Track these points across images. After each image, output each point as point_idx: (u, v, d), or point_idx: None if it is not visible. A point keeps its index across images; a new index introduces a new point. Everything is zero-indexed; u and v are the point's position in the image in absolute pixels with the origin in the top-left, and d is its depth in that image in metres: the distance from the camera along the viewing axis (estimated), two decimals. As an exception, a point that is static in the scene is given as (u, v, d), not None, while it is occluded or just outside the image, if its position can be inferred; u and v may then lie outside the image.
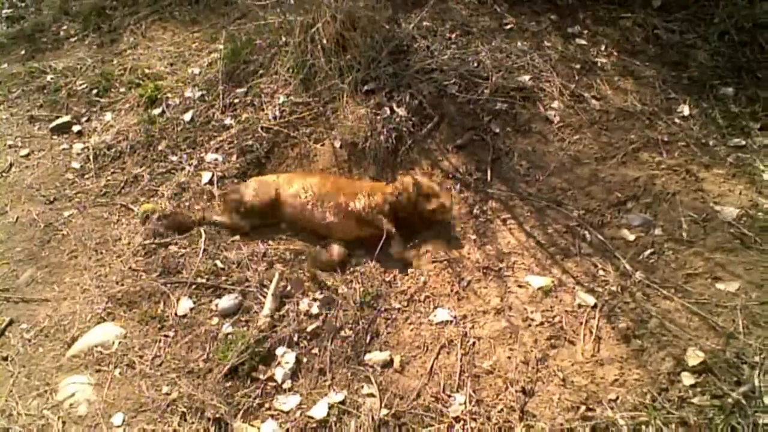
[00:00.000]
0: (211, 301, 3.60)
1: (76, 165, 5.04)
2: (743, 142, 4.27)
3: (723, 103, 4.64)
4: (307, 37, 4.79)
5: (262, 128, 4.73)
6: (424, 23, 5.32)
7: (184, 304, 3.58)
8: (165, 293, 3.68)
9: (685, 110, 4.55)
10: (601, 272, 3.48)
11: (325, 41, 4.72)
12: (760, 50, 5.08)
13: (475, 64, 4.90)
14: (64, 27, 7.14)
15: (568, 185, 4.00)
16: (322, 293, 3.53)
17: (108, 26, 6.86)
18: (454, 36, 5.27)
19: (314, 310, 3.44)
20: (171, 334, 3.47)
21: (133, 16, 6.82)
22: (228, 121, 4.93)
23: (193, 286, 3.69)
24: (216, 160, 4.66)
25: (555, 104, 4.57)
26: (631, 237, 3.64)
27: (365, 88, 4.78)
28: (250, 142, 4.68)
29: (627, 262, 3.49)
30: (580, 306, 3.30)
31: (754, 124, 4.43)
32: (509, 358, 3.11)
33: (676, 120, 4.48)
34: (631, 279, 3.41)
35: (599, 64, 5.02)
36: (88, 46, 6.63)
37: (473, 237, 3.79)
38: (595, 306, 3.28)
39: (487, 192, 4.05)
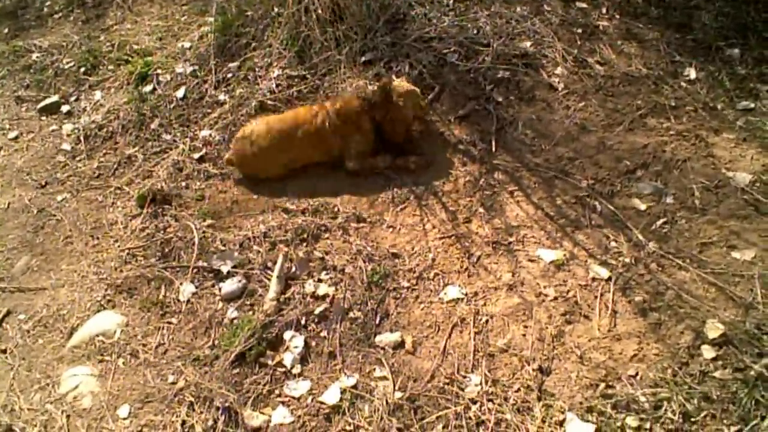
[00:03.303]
0: (213, 285, 3.50)
1: (66, 147, 4.90)
2: (752, 105, 4.16)
3: (729, 65, 4.51)
4: (300, 7, 4.62)
5: (257, 103, 4.57)
6: (421, -11, 5.15)
7: (187, 289, 3.48)
8: (166, 278, 3.56)
9: (692, 73, 4.43)
10: (613, 244, 3.39)
11: (319, 11, 4.55)
12: (764, 9, 4.95)
13: (475, 31, 4.76)
14: (48, 2, 6.94)
15: (575, 154, 3.89)
16: (328, 273, 3.42)
17: (93, 1, 6.65)
18: (451, 2, 5.12)
19: (321, 291, 3.33)
20: (174, 320, 3.37)
21: (118, -10, 6.61)
22: (222, 96, 4.79)
23: (195, 270, 3.57)
24: (211, 136, 4.51)
25: (558, 70, 4.45)
26: (643, 206, 3.55)
27: (363, 58, 4.65)
28: (245, 119, 4.52)
29: (639, 233, 3.40)
30: (593, 279, 3.21)
31: (762, 86, 4.31)
32: (524, 335, 3.03)
33: (683, 84, 4.36)
34: (644, 250, 3.33)
35: (601, 28, 4.88)
36: (74, 22, 6.44)
37: (480, 210, 3.69)
38: (609, 279, 3.20)
39: (492, 163, 3.94)
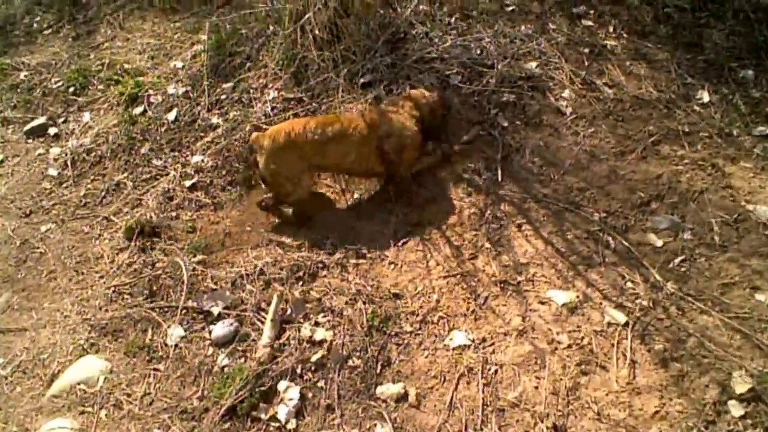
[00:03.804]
0: (203, 328, 3.30)
1: (53, 172, 4.69)
2: (769, 131, 3.97)
3: (743, 87, 4.33)
4: (297, 26, 4.42)
5: (251, 127, 4.36)
6: (421, 7, 4.95)
7: (175, 333, 3.28)
8: (153, 320, 3.36)
9: (705, 97, 4.24)
10: (629, 284, 3.18)
11: (316, 31, 4.35)
12: (777, 28, 4.76)
13: (479, 52, 4.57)
14: (37, 18, 6.73)
15: (585, 184, 3.69)
16: (325, 316, 3.21)
17: (83, 17, 6.47)
18: (453, 20, 4.92)
19: (318, 335, 3.12)
20: (161, 367, 3.16)
21: (109, 6, 6.43)
22: (215, 120, 4.58)
23: (184, 311, 3.35)
24: (203, 162, 4.31)
25: (566, 93, 4.25)
26: (659, 242, 3.35)
27: (362, 80, 4.45)
28: (237, 144, 4.32)
29: (657, 272, 3.20)
30: (609, 324, 3.01)
31: (779, 111, 4.12)
32: (536, 388, 2.82)
33: (696, 108, 4.17)
34: (662, 291, 3.13)
35: (609, 47, 4.69)
36: (63, 39, 6.24)
37: (487, 246, 3.49)
38: (626, 324, 3.00)
39: (498, 194, 3.74)
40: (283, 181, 3.64)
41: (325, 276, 3.45)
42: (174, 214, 4.04)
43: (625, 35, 4.83)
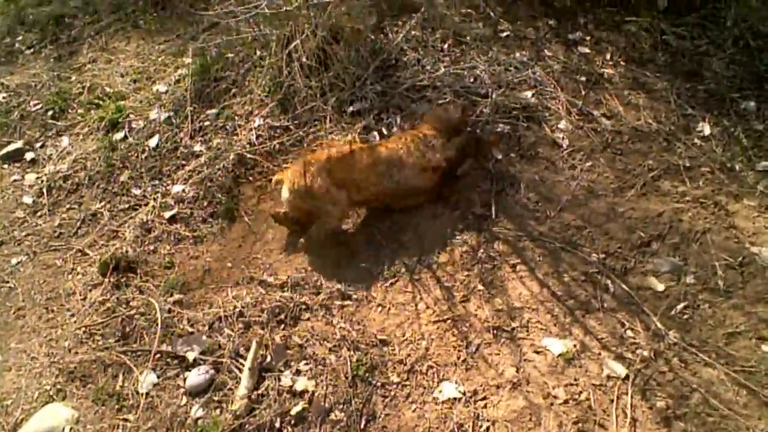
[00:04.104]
0: (178, 375, 3.10)
1: (28, 200, 4.49)
2: (772, 166, 3.82)
3: (745, 120, 4.19)
4: (284, 52, 4.25)
5: (235, 156, 4.19)
6: (413, 32, 4.80)
7: (147, 379, 3.08)
8: (125, 365, 3.16)
9: (705, 129, 4.10)
10: (629, 332, 3.01)
11: (304, 59, 4.18)
12: (778, 57, 4.63)
13: (472, 80, 4.42)
14: (19, 38, 6.55)
15: (583, 222, 3.53)
16: (307, 364, 3.02)
17: (67, 37, 6.30)
18: (446, 46, 4.77)
19: (299, 385, 2.93)
20: (131, 417, 2.97)
21: (93, 26, 6.26)
22: (197, 147, 4.40)
23: (158, 355, 3.16)
24: (184, 192, 4.12)
25: (562, 124, 4.10)
26: (660, 287, 3.18)
27: (351, 109, 4.29)
28: (220, 173, 4.13)
29: (658, 320, 3.04)
30: (609, 378, 2.83)
31: (782, 145, 3.98)
32: (531, 448, 2.63)
33: (696, 141, 4.02)
34: (664, 341, 2.96)
35: (606, 76, 4.54)
36: (45, 59, 6.06)
37: (479, 288, 3.31)
38: (626, 377, 2.82)
39: (492, 231, 3.57)
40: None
41: (308, 319, 3.26)
42: (152, 247, 3.85)
43: (622, 63, 4.69)
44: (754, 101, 4.30)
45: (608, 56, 4.79)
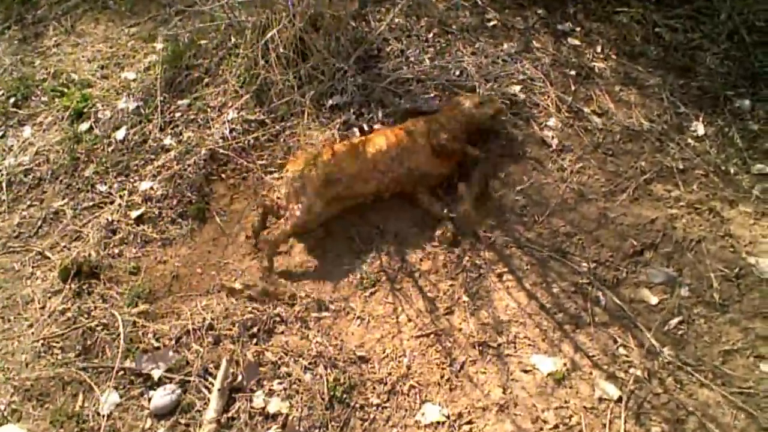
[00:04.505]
0: (142, 394, 2.89)
1: (-15, 195, 4.22)
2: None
3: (740, 119, 4.04)
4: (260, 41, 4.00)
5: (207, 152, 3.95)
6: (397, 20, 4.56)
7: (109, 399, 2.88)
8: (85, 382, 2.95)
9: (699, 129, 3.94)
10: (621, 350, 2.86)
11: (281, 48, 3.94)
12: (774, 53, 4.47)
13: (458, 73, 4.19)
14: (-17, 17, 6.19)
15: (572, 228, 3.36)
16: (281, 383, 2.82)
17: (32, 17, 5.95)
18: (431, 36, 4.55)
19: (272, 407, 2.74)
20: (92, 441, 2.75)
21: (60, 5, 5.91)
22: (167, 141, 4.16)
23: (121, 373, 2.95)
24: (152, 190, 3.89)
25: (551, 122, 3.91)
26: (654, 299, 3.03)
27: (330, 102, 4.06)
28: (191, 170, 3.90)
29: (652, 335, 2.88)
30: (601, 400, 2.68)
31: (778, 146, 3.83)
32: (519, 478, 2.47)
33: (690, 141, 3.87)
34: (658, 359, 2.80)
35: (597, 70, 4.36)
36: (9, 41, 5.73)
37: (464, 299, 3.14)
38: (619, 399, 2.68)
39: (477, 237, 3.37)
40: None
41: (282, 333, 3.07)
42: (116, 251, 3.62)
43: (613, 56, 4.51)
44: (748, 100, 4.15)
45: (599, 49, 4.61)
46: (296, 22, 3.86)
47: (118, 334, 3.10)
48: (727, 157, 3.78)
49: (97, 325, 3.18)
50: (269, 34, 3.91)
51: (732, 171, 3.68)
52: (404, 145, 3.47)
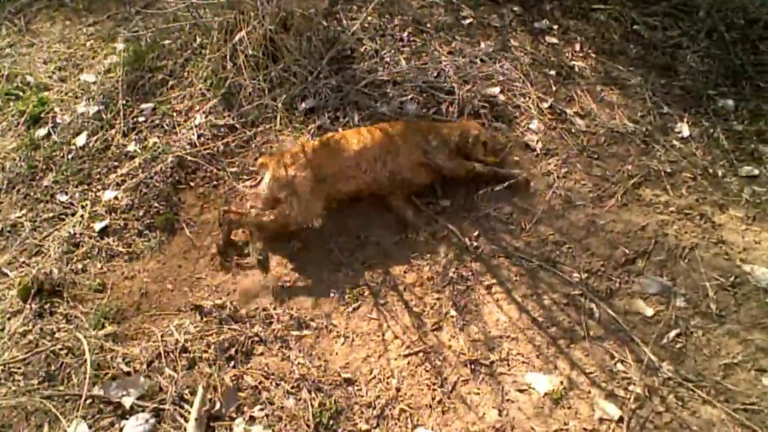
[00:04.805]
0: (113, 424, 2.68)
1: (-64, 207, 3.94)
2: (756, 171, 3.64)
3: (724, 119, 3.99)
4: (227, 42, 3.79)
5: (174, 159, 3.73)
6: (370, 19, 4.39)
7: (78, 430, 2.64)
8: (50, 412, 2.72)
9: (684, 130, 3.86)
10: (619, 366, 2.74)
11: (250, 51, 3.73)
12: (753, 50, 4.44)
13: (435, 74, 4.03)
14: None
15: (561, 237, 3.23)
16: (263, 409, 2.64)
17: (-14, 14, 5.61)
18: (405, 35, 4.39)
19: (254, 437, 2.55)
20: (57, 478, 2.53)
21: (13, 3, 5.60)
22: (131, 147, 3.93)
23: (89, 401, 2.73)
24: (117, 200, 3.66)
25: (534, 125, 3.79)
26: (649, 311, 2.92)
27: (303, 105, 3.87)
28: (157, 178, 3.68)
29: (649, 349, 2.75)
30: (601, 421, 2.55)
31: (764, 147, 3.77)
32: None
33: (675, 143, 3.78)
34: (658, 375, 2.68)
35: (577, 69, 4.25)
36: (-40, 41, 5.39)
37: (452, 313, 2.99)
38: (620, 420, 2.55)
39: (463, 247, 3.22)
40: None
41: (262, 354, 2.88)
42: (80, 266, 3.39)
43: (593, 55, 4.41)
44: (731, 99, 4.10)
45: (577, 47, 4.51)
46: (265, 22, 3.65)
47: (85, 359, 2.86)
48: (714, 159, 3.70)
49: (61, 349, 2.95)
50: (237, 36, 3.70)
51: (720, 174, 3.60)
52: (387, 147, 3.31)
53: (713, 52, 4.43)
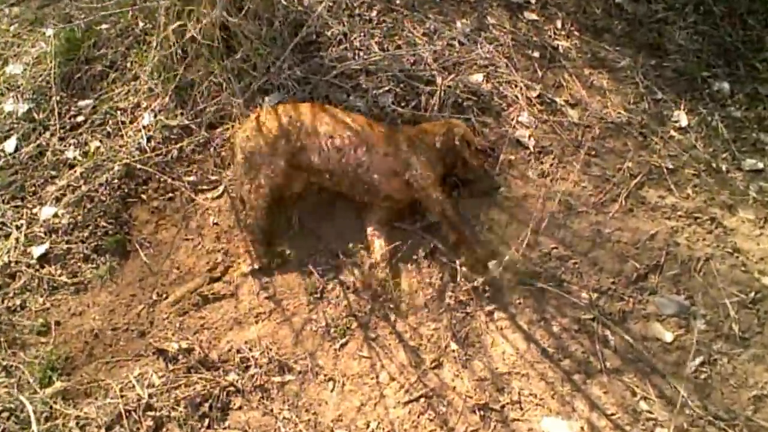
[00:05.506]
0: (68, 506, 2.26)
1: None
2: (760, 165, 3.41)
3: (721, 105, 3.73)
4: (175, 27, 3.30)
5: (121, 168, 3.26)
6: (335, -2, 3.93)
7: None
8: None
9: (682, 119, 3.60)
10: (642, 404, 2.47)
11: (201, 38, 3.25)
12: (742, 26, 4.16)
13: (412, 61, 3.62)
14: None
15: (565, 250, 2.93)
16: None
17: None
18: (374, 15, 3.93)
19: None
20: None
21: None
22: (70, 153, 3.45)
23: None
24: (57, 217, 3.19)
25: (524, 117, 3.45)
26: (668, 336, 2.65)
27: (267, 100, 3.41)
28: (103, 191, 3.22)
29: (673, 381, 2.49)
30: (630, 474, 2.26)
31: (765, 137, 3.51)
32: None
33: (673, 134, 3.51)
34: (685, 413, 2.41)
35: (561, 50, 3.92)
36: None
37: (453, 346, 2.67)
38: (651, 471, 2.26)
39: (457, 267, 2.88)
40: None
41: (240, 408, 2.51)
42: (18, 301, 2.94)
43: (576, 33, 4.08)
44: (727, 82, 3.85)
45: (559, 24, 4.17)
46: (218, 3, 3.17)
47: (29, 423, 2.44)
48: (715, 152, 3.45)
49: (2, 411, 2.50)
50: (189, 23, 3.21)
51: (723, 168, 3.36)
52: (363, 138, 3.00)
53: (701, 27, 4.15)
